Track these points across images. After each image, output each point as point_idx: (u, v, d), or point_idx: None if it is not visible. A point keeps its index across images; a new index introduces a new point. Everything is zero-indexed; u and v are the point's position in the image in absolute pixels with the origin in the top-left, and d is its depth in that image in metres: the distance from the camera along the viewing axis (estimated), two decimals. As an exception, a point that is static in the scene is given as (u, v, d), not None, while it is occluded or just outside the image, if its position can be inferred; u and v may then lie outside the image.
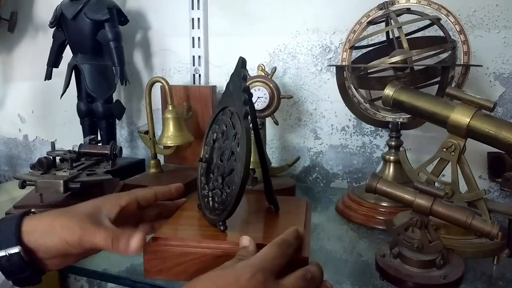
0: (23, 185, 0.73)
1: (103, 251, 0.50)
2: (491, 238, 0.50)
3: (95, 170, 0.80)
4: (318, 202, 0.94)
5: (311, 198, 0.97)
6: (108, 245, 0.46)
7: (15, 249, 0.44)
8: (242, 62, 0.52)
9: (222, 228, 0.49)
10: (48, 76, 1.13)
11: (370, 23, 0.81)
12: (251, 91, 0.90)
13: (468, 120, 0.59)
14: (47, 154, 0.79)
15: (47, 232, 0.46)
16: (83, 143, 0.86)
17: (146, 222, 0.58)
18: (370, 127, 0.99)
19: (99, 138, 1.06)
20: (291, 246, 0.44)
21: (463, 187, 0.63)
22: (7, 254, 0.44)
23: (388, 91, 0.67)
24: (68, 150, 0.83)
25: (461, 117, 0.60)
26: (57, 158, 0.81)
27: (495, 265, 0.60)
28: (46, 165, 0.76)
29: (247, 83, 0.89)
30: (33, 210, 0.50)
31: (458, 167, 0.63)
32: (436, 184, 0.64)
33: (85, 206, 0.51)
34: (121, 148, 0.86)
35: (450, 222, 0.51)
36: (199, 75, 1.13)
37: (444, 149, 0.62)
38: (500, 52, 0.87)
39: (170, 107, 0.97)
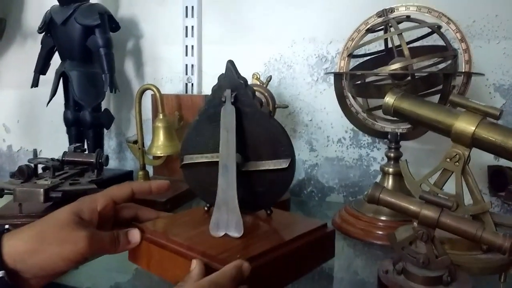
0: (1, 194, 0.69)
1: (83, 266, 0.47)
2: (503, 252, 0.46)
3: (79, 180, 0.76)
4: (313, 217, 0.90)
5: (306, 213, 0.94)
6: (113, 247, 0.47)
7: None
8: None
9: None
10: (35, 83, 1.09)
11: (369, 31, 0.79)
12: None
13: (473, 128, 0.56)
14: (28, 162, 0.75)
15: (38, 252, 0.43)
16: (67, 151, 0.82)
17: (120, 225, 0.53)
18: (367, 139, 0.96)
19: (85, 147, 1.02)
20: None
21: (466, 199, 0.60)
22: None
23: (389, 99, 0.64)
24: (51, 158, 0.79)
25: (465, 125, 0.57)
26: (40, 167, 0.77)
27: (502, 283, 0.57)
28: (26, 173, 0.72)
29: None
30: (7, 226, 0.46)
31: (462, 178, 0.60)
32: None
33: (65, 215, 0.46)
34: (107, 156, 0.82)
35: (458, 235, 0.48)
36: (192, 84, 1.10)
37: (448, 159, 0.59)
38: (500, 63, 0.85)
39: (161, 116, 0.93)
